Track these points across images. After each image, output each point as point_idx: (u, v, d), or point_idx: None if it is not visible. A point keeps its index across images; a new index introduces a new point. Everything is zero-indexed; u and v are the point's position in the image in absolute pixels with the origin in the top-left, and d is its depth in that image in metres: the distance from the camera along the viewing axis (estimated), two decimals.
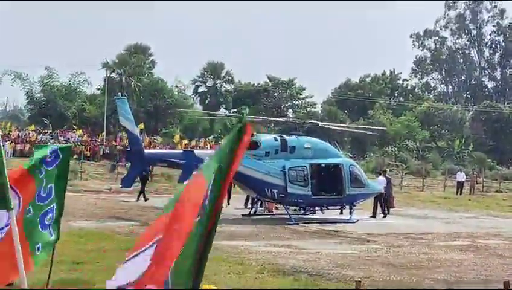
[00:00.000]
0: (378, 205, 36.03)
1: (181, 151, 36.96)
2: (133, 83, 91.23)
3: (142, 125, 72.89)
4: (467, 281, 19.17)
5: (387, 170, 45.27)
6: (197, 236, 4.60)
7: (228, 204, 35.77)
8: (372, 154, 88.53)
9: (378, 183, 36.43)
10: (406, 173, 70.14)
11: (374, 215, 35.36)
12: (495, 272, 20.82)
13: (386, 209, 36.65)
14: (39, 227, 7.74)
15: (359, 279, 11.32)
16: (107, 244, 22.32)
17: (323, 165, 33.08)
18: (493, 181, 73.12)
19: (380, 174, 39.19)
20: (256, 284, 17.25)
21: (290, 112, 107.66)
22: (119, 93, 44.85)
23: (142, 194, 38.45)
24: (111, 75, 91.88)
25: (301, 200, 32.31)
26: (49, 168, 7.70)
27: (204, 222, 4.62)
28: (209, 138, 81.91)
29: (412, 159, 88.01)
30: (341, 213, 34.43)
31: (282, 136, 33.53)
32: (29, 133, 71.09)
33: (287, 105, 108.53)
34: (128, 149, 33.09)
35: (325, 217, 33.19)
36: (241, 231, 27.76)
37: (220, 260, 20.52)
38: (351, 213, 33.52)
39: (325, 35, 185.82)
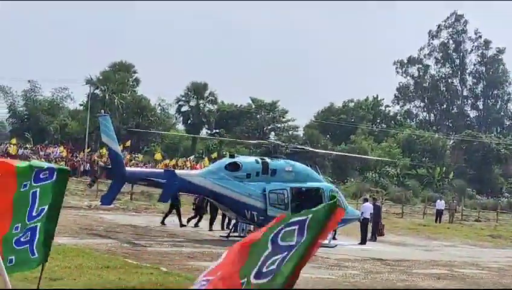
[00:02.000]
0: (369, 230, 36.23)
1: (162, 170, 36.85)
2: (116, 99, 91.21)
3: (128, 143, 72.89)
4: None
5: (376, 197, 45.54)
6: None
7: (210, 229, 35.74)
8: (352, 180, 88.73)
9: (365, 210, 36.58)
10: (385, 200, 70.27)
11: (363, 242, 35.37)
12: None
13: (375, 234, 37.10)
14: (13, 242, 7.70)
15: None
16: (84, 261, 22.19)
17: (303, 188, 33.12)
18: (472, 210, 73.47)
19: (367, 200, 39.40)
20: None
21: (272, 135, 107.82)
22: (102, 111, 44.71)
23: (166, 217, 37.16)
24: (94, 92, 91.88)
25: None
26: (37, 184, 7.62)
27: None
28: (191, 157, 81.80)
29: (392, 186, 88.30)
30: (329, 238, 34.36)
31: (263, 159, 33.57)
32: (9, 147, 70.80)
33: (269, 127, 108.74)
34: (109, 167, 33.03)
35: None
36: (218, 251, 27.68)
37: None
38: (329, 238, 33.53)
39: (309, 59, 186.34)
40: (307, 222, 4.68)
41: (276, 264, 4.68)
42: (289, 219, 4.82)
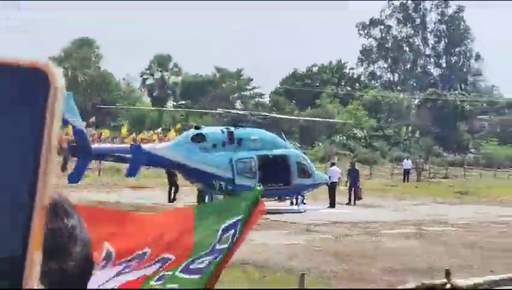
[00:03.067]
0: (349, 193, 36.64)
1: (128, 145, 36.76)
2: (79, 76, 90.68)
3: (93, 119, 72.53)
4: (411, 270, 19.49)
5: (353, 161, 45.77)
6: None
7: (174, 199, 35.81)
8: (320, 144, 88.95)
9: (332, 174, 36.86)
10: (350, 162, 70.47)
11: (332, 206, 35.65)
12: (439, 259, 21.20)
13: (354, 199, 37.37)
14: None
15: (303, 272, 11.47)
16: None
17: (270, 156, 33.25)
18: (440, 167, 74.10)
19: (334, 164, 39.69)
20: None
21: (238, 103, 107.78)
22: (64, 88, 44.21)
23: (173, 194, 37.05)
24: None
25: None
26: None
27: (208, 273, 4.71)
28: (158, 130, 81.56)
29: (360, 148, 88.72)
30: (292, 204, 34.62)
31: (228, 129, 33.62)
32: None
33: (235, 96, 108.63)
34: (74, 144, 32.93)
35: (274, 208, 33.37)
36: None
37: None
38: (298, 203, 33.83)
39: (272, 26, 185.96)
40: (240, 223, 4.74)
41: (205, 264, 4.73)
42: (225, 223, 4.84)
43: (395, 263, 20.30)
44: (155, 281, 4.70)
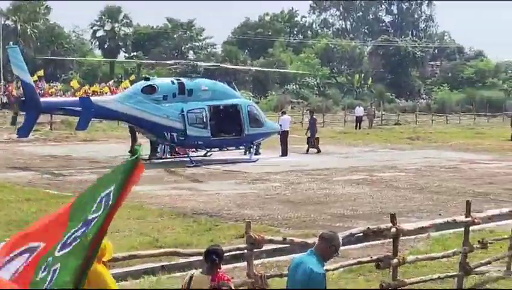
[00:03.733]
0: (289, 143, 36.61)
1: (77, 98, 36.40)
2: (28, 29, 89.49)
3: (41, 72, 71.61)
4: (361, 216, 19.71)
5: (311, 109, 45.77)
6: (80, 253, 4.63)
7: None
8: (273, 93, 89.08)
9: (283, 122, 36.94)
10: (306, 110, 70.76)
11: (284, 154, 35.76)
12: (389, 204, 21.47)
13: (313, 146, 37.63)
14: None
15: (248, 220, 11.54)
16: (4, 195, 22.08)
17: (221, 106, 33.23)
18: (392, 114, 74.69)
19: (285, 113, 39.79)
20: (156, 228, 17.39)
21: (190, 54, 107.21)
22: (11, 43, 43.74)
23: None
24: (6, 23, 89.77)
25: (201, 142, 32.47)
26: None
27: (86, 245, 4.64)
28: (110, 82, 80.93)
29: (313, 96, 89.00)
30: (245, 153, 34.64)
31: (179, 80, 33.44)
32: None
33: (187, 46, 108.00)
34: (23, 98, 32.56)
35: (226, 158, 33.45)
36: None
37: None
38: (250, 153, 33.90)
39: None
40: (112, 193, 4.68)
41: (80, 232, 4.67)
42: (100, 196, 4.76)
43: (346, 209, 20.51)
44: (41, 274, 4.68)
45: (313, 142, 38.14)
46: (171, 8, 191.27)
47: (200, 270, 8.63)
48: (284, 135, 36.21)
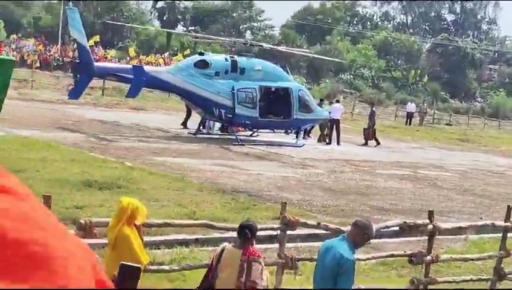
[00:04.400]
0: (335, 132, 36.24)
1: (131, 66, 36.55)
2: None
3: (97, 38, 72.06)
4: (400, 210, 19.54)
5: (372, 101, 45.23)
6: None
7: (184, 123, 35.50)
8: (327, 81, 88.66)
9: (334, 110, 36.67)
10: (358, 101, 70.46)
11: (329, 142, 35.61)
12: (431, 202, 21.23)
13: (370, 138, 37.25)
14: None
15: (284, 201, 11.48)
16: (49, 154, 22.29)
17: (272, 88, 33.15)
18: (444, 113, 73.92)
19: (338, 102, 39.46)
20: (194, 201, 17.44)
21: (248, 34, 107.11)
22: (71, 4, 44.02)
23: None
24: None
25: (248, 122, 32.42)
26: None
27: None
28: (165, 54, 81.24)
29: (366, 88, 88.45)
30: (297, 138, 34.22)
31: (232, 57, 33.44)
32: None
33: (245, 26, 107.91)
34: (78, 61, 32.77)
35: (272, 140, 33.39)
36: (186, 148, 27.88)
37: (161, 175, 20.71)
38: (297, 137, 33.75)
39: None
40: None
41: None
42: None
43: (386, 203, 20.37)
44: None
45: (369, 133, 37.60)
46: None
47: (233, 244, 8.63)
48: (333, 123, 35.97)
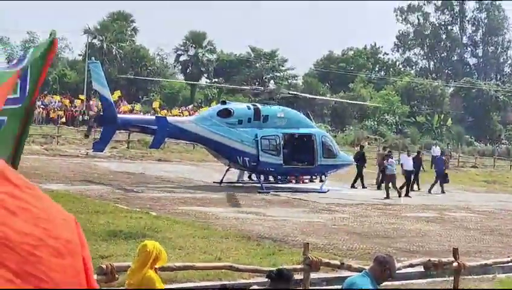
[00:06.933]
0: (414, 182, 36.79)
1: (154, 117, 36.86)
2: (114, 49, 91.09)
3: (119, 93, 72.78)
4: (427, 252, 19.41)
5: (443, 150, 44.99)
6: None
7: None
8: (351, 127, 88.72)
9: (404, 162, 36.58)
10: (383, 147, 70.13)
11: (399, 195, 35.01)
12: (458, 243, 21.04)
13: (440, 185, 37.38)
14: None
15: (307, 241, 11.49)
16: (75, 206, 22.39)
17: (295, 134, 33.26)
18: (470, 157, 73.52)
19: (408, 154, 38.96)
20: (219, 248, 17.43)
21: (271, 83, 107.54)
22: (93, 58, 44.53)
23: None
24: (92, 41, 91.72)
25: (273, 169, 32.48)
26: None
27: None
28: (189, 106, 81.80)
29: (391, 134, 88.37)
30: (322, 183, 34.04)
31: (255, 105, 33.63)
32: None
33: (268, 76, 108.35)
34: (102, 114, 33.08)
35: (296, 187, 33.40)
36: (211, 197, 27.95)
37: (187, 224, 20.73)
38: (322, 183, 33.71)
39: (310, 7, 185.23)
40: (28, 74, 4.64)
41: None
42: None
43: (412, 245, 20.25)
44: None
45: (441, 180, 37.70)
46: (255, 37, 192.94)
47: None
48: (408, 176, 36.02)
